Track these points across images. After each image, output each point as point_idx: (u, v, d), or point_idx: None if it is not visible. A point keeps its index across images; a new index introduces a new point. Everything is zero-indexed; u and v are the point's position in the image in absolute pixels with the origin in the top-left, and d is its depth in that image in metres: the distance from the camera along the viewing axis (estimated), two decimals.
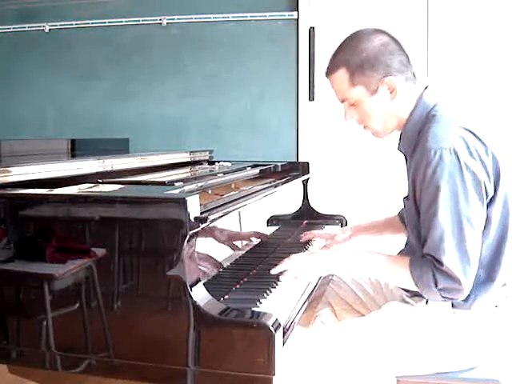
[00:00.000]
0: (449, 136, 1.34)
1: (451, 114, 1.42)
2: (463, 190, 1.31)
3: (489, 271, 1.39)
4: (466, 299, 1.39)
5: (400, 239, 1.73)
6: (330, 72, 1.48)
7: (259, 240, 1.85)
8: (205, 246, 1.39)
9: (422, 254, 1.38)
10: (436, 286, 1.34)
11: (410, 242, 1.55)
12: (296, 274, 1.46)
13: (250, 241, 1.79)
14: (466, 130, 1.36)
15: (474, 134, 1.36)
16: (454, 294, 1.34)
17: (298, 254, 1.53)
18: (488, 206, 1.36)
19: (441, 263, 1.32)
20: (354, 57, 1.41)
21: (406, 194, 1.50)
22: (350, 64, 1.42)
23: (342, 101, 1.49)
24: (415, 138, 1.43)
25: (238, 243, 1.68)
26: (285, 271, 1.46)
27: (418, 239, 1.43)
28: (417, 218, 1.42)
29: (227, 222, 1.55)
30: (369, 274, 1.55)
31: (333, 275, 1.84)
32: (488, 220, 1.36)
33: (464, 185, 1.31)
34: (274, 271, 1.47)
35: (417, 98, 1.46)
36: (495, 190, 1.36)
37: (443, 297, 1.35)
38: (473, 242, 1.32)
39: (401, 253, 1.62)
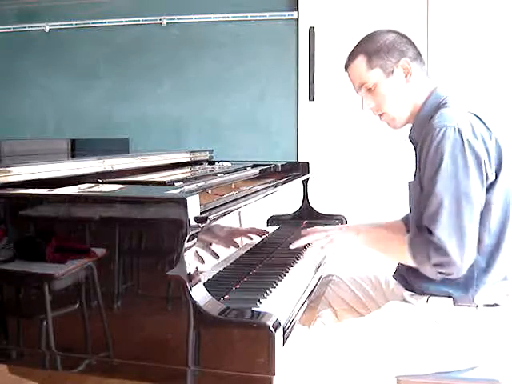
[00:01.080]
0: (455, 117, 1.38)
1: (461, 103, 1.47)
2: (464, 166, 1.34)
3: (489, 259, 1.41)
4: (467, 290, 1.40)
5: None
6: (348, 63, 1.56)
7: (259, 240, 1.85)
8: (205, 245, 1.39)
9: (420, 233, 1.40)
10: (429, 260, 1.36)
11: (411, 229, 1.55)
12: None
13: (251, 239, 1.79)
14: (473, 114, 1.41)
15: (481, 120, 1.40)
16: (447, 268, 1.35)
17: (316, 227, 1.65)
18: (488, 191, 1.38)
19: (432, 234, 1.34)
20: (371, 44, 1.51)
21: (410, 180, 1.53)
22: (368, 50, 1.51)
23: (360, 86, 1.54)
24: (425, 125, 1.46)
25: (238, 243, 1.68)
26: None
27: (420, 222, 1.43)
28: (420, 199, 1.44)
29: (227, 222, 1.55)
30: (375, 250, 1.55)
31: (333, 275, 1.84)
32: (488, 207, 1.39)
33: (465, 161, 1.34)
34: (293, 246, 1.61)
35: (430, 90, 1.52)
36: (496, 176, 1.38)
37: (439, 272, 1.37)
38: (470, 217, 1.34)
39: None
